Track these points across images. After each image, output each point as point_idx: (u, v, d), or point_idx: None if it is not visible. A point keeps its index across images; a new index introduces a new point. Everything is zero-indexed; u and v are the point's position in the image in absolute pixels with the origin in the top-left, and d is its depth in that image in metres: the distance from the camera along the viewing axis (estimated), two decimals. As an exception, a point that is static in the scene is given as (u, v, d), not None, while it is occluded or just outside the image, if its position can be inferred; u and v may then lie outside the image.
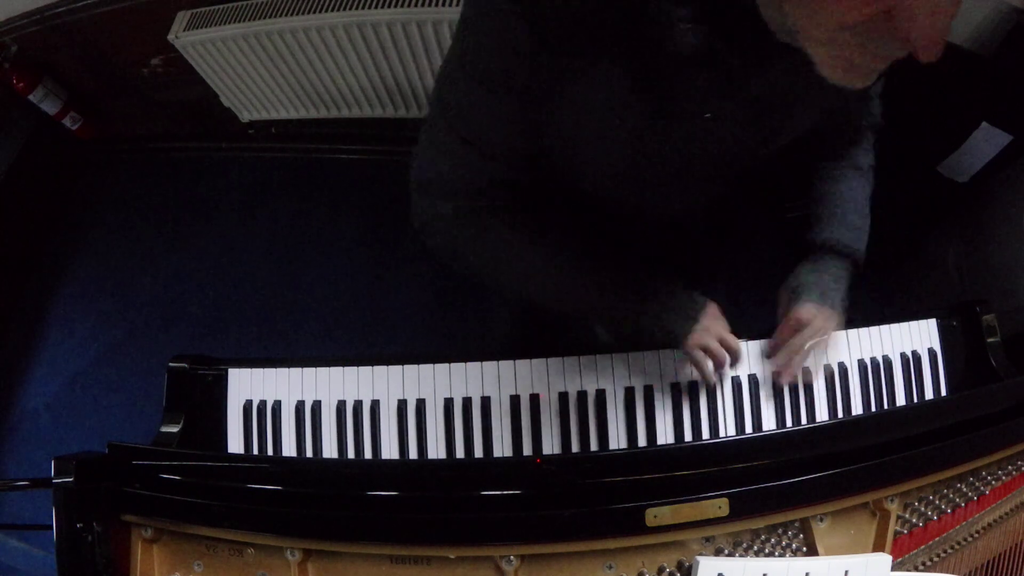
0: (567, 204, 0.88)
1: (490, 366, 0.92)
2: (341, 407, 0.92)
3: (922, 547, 0.74)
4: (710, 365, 0.87)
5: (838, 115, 0.88)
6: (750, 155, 0.79)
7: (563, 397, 0.91)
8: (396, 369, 0.93)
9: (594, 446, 0.90)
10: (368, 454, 0.91)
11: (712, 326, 0.86)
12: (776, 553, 0.71)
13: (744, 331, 0.92)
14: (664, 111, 0.69)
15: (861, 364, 0.93)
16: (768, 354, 0.92)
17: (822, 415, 0.92)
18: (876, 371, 0.93)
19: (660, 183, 0.81)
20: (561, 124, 0.73)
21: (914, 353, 0.94)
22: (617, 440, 0.90)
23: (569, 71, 0.66)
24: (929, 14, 0.47)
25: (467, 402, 0.91)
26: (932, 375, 0.95)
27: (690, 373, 0.91)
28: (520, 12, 0.61)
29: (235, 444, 0.93)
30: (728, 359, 0.88)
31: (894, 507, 0.72)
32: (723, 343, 0.87)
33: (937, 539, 0.74)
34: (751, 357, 0.92)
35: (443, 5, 1.61)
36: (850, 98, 0.85)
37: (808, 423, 0.90)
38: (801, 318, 0.87)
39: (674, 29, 0.58)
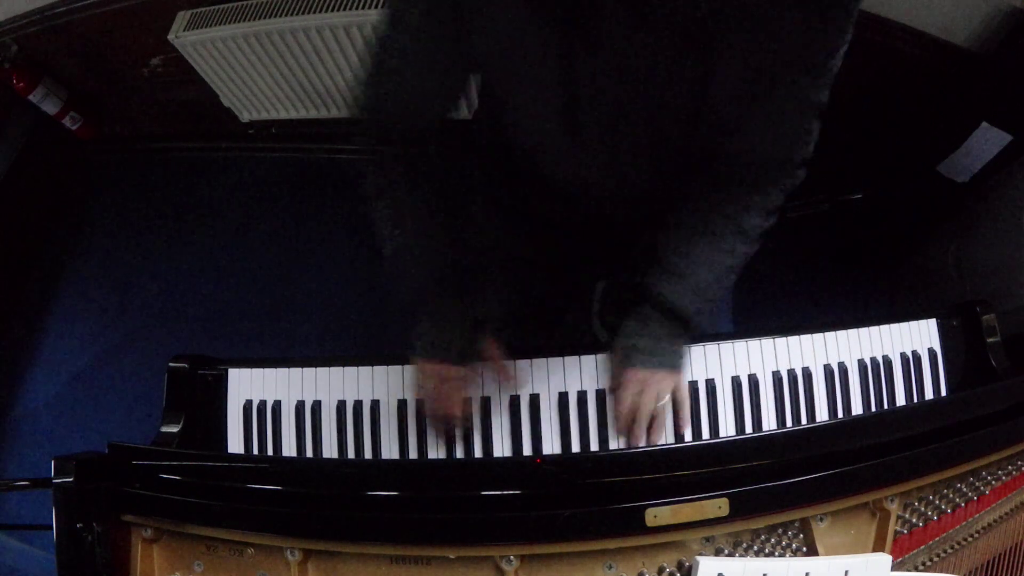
0: (504, 182, 0.89)
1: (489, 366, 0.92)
2: (341, 407, 0.92)
3: (922, 547, 0.74)
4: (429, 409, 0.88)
5: (768, 142, 0.78)
6: (685, 115, 0.74)
7: (563, 397, 0.91)
8: (396, 369, 0.93)
9: (594, 446, 0.90)
10: (368, 454, 0.91)
11: (439, 379, 0.85)
12: (776, 553, 0.71)
13: (743, 330, 0.92)
14: (584, 43, 0.67)
15: (861, 364, 0.93)
16: (612, 424, 0.89)
17: (822, 415, 0.92)
18: (876, 371, 0.93)
19: (593, 134, 0.78)
20: (488, 73, 0.75)
21: (914, 353, 0.94)
22: (617, 440, 0.90)
23: (476, 13, 0.67)
24: None
25: (466, 402, 0.91)
26: (932, 375, 0.95)
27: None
28: None
29: (235, 444, 0.93)
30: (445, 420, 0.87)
31: (894, 507, 0.72)
32: (440, 404, 0.86)
33: (937, 539, 0.74)
34: (751, 357, 0.92)
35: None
36: (786, 119, 0.75)
37: (808, 423, 0.90)
38: (633, 382, 0.84)
39: None
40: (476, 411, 0.91)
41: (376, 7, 1.64)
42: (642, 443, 0.86)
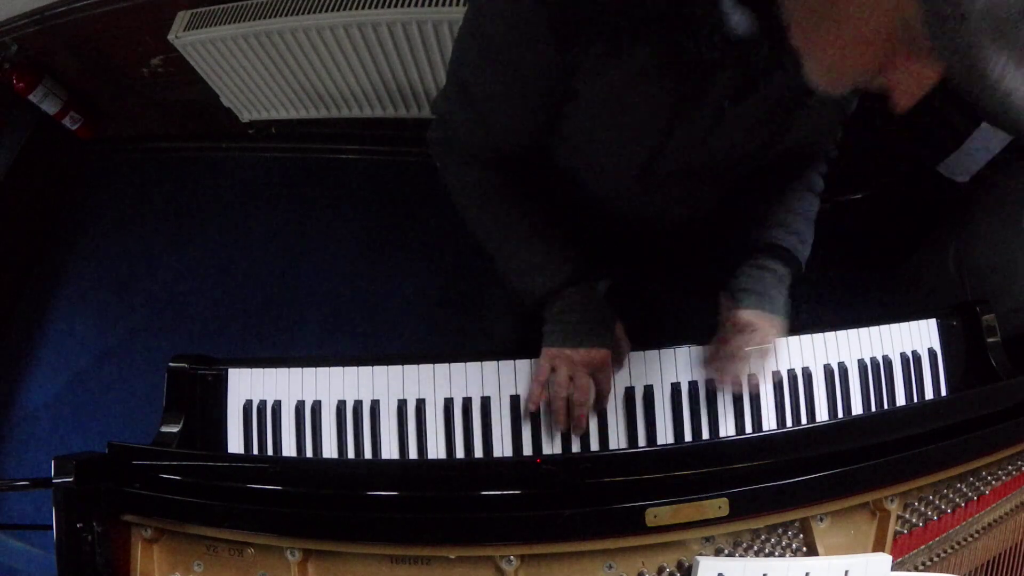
0: (563, 198, 0.89)
1: (490, 366, 0.92)
2: (341, 407, 0.92)
3: (922, 547, 0.74)
4: (536, 389, 0.87)
5: (816, 135, 0.88)
6: (752, 158, 0.80)
7: (563, 397, 0.91)
8: (396, 369, 0.93)
9: (594, 446, 0.90)
10: (368, 454, 0.91)
11: (577, 361, 0.85)
12: (776, 553, 0.71)
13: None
14: (687, 102, 0.69)
15: (861, 364, 0.93)
16: (707, 360, 0.90)
17: (822, 415, 0.92)
18: (876, 371, 0.93)
19: (666, 180, 0.82)
20: (576, 115, 0.74)
21: (914, 353, 0.94)
22: (617, 440, 0.90)
23: (586, 62, 0.66)
24: (915, 80, 0.50)
25: (467, 402, 0.91)
26: (932, 375, 0.95)
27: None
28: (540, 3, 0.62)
29: (235, 444, 0.93)
30: (564, 400, 0.86)
31: (894, 507, 0.73)
32: (571, 381, 0.86)
33: (937, 539, 0.74)
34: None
35: (443, 5, 1.61)
36: (832, 117, 0.87)
37: (808, 423, 0.90)
38: (743, 322, 0.86)
39: (711, 18, 0.58)
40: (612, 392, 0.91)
41: (376, 7, 1.64)
42: (740, 385, 0.89)
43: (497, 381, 0.92)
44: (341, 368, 0.93)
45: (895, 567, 0.69)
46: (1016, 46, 0.42)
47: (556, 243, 0.87)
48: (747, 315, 0.86)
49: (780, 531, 0.72)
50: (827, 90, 0.56)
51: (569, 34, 0.63)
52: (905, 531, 0.74)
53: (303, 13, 1.69)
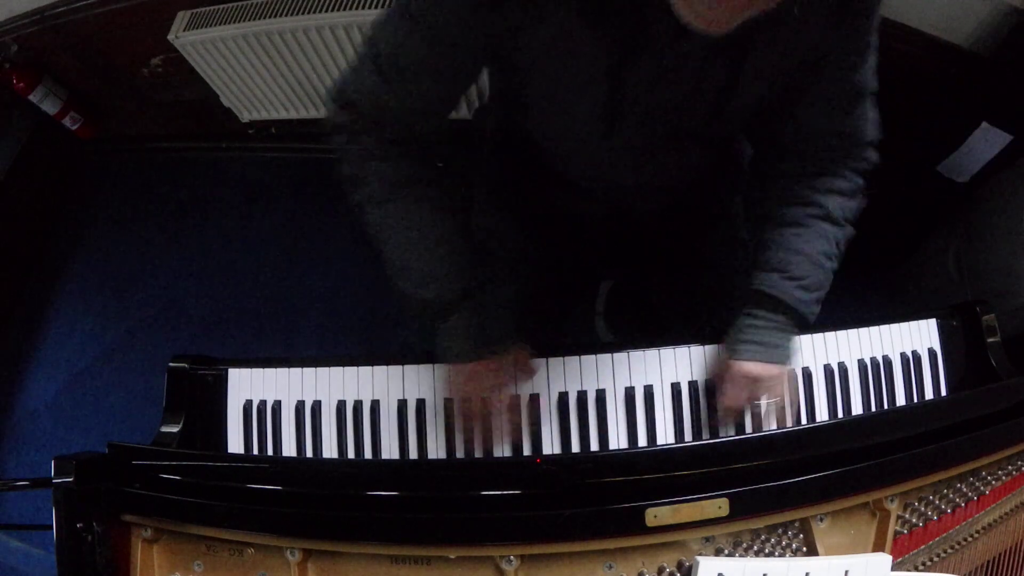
0: (522, 174, 0.88)
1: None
2: (341, 407, 0.92)
3: (922, 547, 0.74)
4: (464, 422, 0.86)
5: (823, 122, 0.81)
6: (711, 112, 0.77)
7: (563, 397, 0.91)
8: (396, 369, 0.93)
9: (594, 446, 0.90)
10: (368, 454, 0.91)
11: (475, 381, 0.84)
12: (776, 553, 0.71)
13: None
14: (631, 51, 0.69)
15: (861, 364, 0.93)
16: (719, 419, 0.88)
17: (822, 415, 0.91)
18: (876, 371, 0.93)
19: (636, 146, 0.80)
20: (529, 86, 0.75)
21: (914, 353, 0.94)
22: (617, 440, 0.90)
23: (509, 24, 0.67)
24: None
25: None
26: (932, 375, 0.95)
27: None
28: None
29: (235, 444, 0.93)
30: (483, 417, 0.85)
31: (894, 507, 0.72)
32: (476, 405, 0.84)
33: (937, 539, 0.74)
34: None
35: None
36: (834, 102, 0.79)
37: (808, 423, 0.90)
38: (742, 375, 0.83)
39: None
40: (524, 403, 0.89)
41: (376, 7, 1.64)
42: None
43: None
44: (341, 368, 0.93)
45: (895, 567, 0.69)
46: None
47: (461, 254, 0.83)
48: (746, 368, 0.83)
49: (780, 531, 0.72)
50: (697, 25, 0.57)
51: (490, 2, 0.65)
52: (905, 531, 0.73)
53: (303, 13, 1.69)
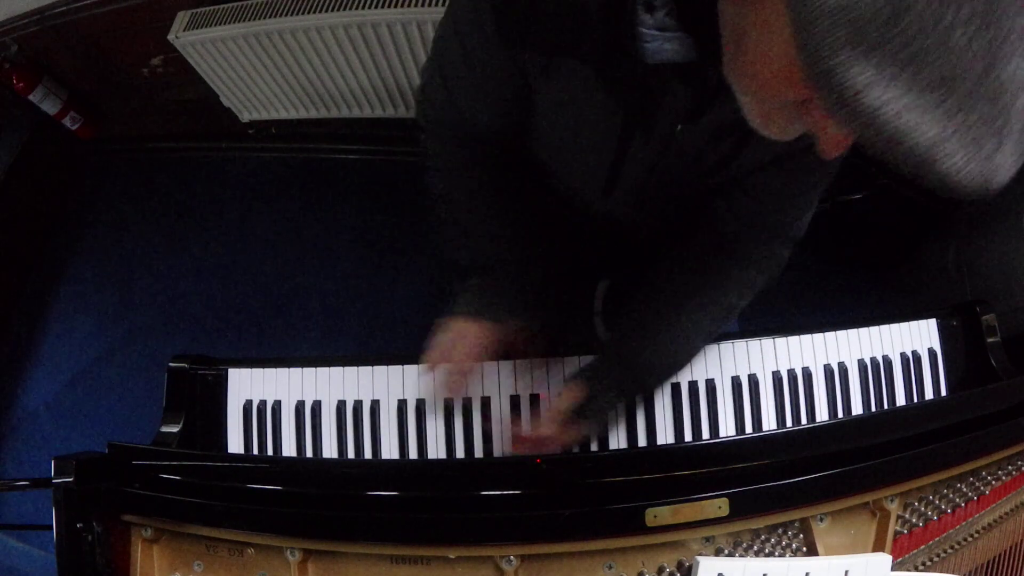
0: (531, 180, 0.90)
1: (490, 366, 0.92)
2: (341, 407, 0.92)
3: (922, 547, 0.74)
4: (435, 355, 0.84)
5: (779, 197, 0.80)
6: (704, 177, 0.78)
7: (563, 397, 0.91)
8: (396, 369, 0.93)
9: (594, 446, 0.90)
10: (368, 454, 0.91)
11: (454, 345, 0.82)
12: (776, 553, 0.71)
13: (744, 330, 0.92)
14: (644, 127, 0.69)
15: (861, 364, 0.93)
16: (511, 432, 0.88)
17: (822, 415, 0.92)
18: (876, 371, 0.93)
19: (629, 197, 0.82)
20: (539, 116, 0.75)
21: (914, 353, 0.94)
22: (617, 440, 0.90)
23: (533, 66, 0.67)
24: (837, 130, 0.46)
25: (467, 402, 0.91)
26: (932, 375, 0.95)
27: None
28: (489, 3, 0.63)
29: (235, 444, 0.93)
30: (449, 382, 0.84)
31: (894, 507, 0.73)
32: (457, 364, 0.82)
33: (937, 539, 0.74)
34: (751, 357, 0.92)
35: (443, 5, 1.61)
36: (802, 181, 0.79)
37: (808, 423, 0.90)
38: (561, 414, 0.81)
39: (652, 40, 0.56)
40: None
41: (376, 7, 1.64)
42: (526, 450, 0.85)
43: (497, 381, 0.92)
44: (341, 368, 0.93)
45: (895, 567, 0.69)
46: (884, 52, 0.36)
47: (516, 228, 0.87)
48: (576, 387, 0.81)
49: (780, 531, 0.72)
50: (761, 130, 0.53)
51: (515, 38, 0.64)
52: (905, 531, 0.74)
53: (303, 13, 1.69)
